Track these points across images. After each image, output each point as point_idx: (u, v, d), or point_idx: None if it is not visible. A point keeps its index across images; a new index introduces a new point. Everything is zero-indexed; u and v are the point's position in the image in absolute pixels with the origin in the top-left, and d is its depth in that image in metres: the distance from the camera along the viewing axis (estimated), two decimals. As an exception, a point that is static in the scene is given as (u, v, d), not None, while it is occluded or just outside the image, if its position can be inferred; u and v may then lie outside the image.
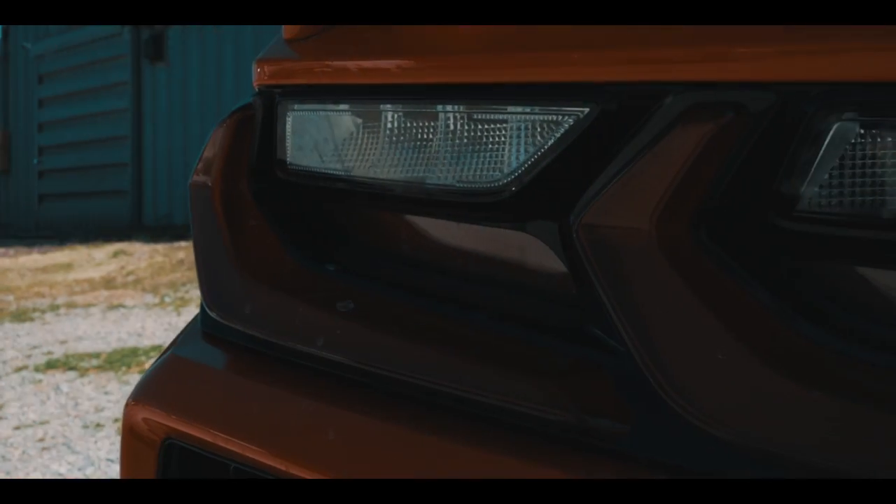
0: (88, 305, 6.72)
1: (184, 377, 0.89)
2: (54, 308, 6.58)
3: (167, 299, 6.67)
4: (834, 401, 0.54)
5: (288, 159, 0.89)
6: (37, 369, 4.77)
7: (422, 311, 0.75)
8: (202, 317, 0.92)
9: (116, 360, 4.79)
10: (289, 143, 0.88)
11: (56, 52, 12.36)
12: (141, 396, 0.88)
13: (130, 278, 7.76)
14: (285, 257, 0.88)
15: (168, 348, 0.92)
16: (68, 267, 8.51)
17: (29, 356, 5.09)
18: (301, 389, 0.76)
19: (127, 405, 0.88)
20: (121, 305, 6.59)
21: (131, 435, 0.87)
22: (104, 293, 7.16)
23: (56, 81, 12.51)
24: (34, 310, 6.50)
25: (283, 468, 0.74)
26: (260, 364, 0.84)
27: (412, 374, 0.69)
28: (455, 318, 0.73)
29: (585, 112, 0.63)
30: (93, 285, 7.54)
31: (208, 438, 0.82)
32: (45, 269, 8.39)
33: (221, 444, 0.81)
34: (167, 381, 0.89)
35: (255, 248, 0.89)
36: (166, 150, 10.56)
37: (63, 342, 5.44)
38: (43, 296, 7.10)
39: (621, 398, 0.60)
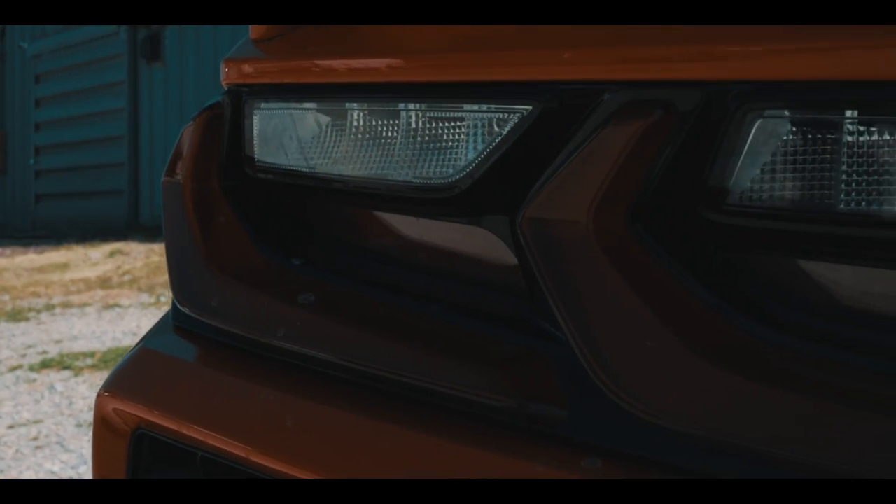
0: (84, 305, 6.74)
1: (154, 369, 0.91)
2: (50, 308, 6.59)
3: (163, 299, 6.69)
4: (761, 388, 0.56)
5: (256, 157, 0.91)
6: (31, 368, 4.79)
7: (380, 303, 0.78)
8: (173, 310, 0.95)
9: (111, 360, 4.81)
10: (256, 140, 0.91)
11: (52, 52, 12.38)
12: (112, 388, 0.91)
13: (126, 278, 7.78)
14: (254, 252, 0.90)
15: (140, 341, 0.95)
16: (64, 267, 8.54)
17: (24, 355, 5.11)
18: (263, 380, 0.79)
19: (98, 396, 0.91)
20: (116, 305, 6.61)
21: (103, 425, 0.90)
22: (100, 293, 7.19)
23: (52, 81, 12.53)
24: (30, 309, 6.52)
25: (245, 456, 0.76)
26: (227, 356, 0.87)
27: (367, 363, 0.71)
28: (411, 310, 0.75)
29: (529, 110, 0.65)
30: (88, 285, 7.56)
31: (176, 428, 0.85)
32: (41, 269, 8.41)
33: (189, 433, 0.83)
34: (138, 373, 0.91)
35: (224, 244, 0.91)
36: (163, 150, 10.58)
37: (58, 342, 5.46)
38: (39, 295, 7.12)
39: (561, 385, 0.62)
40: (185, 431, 0.84)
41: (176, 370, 0.90)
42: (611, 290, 0.59)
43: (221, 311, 0.86)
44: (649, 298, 0.58)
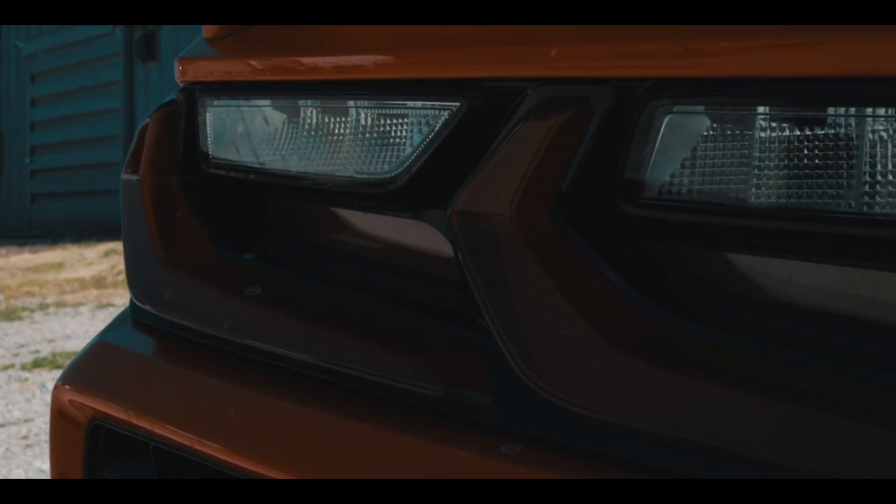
0: (78, 304, 6.75)
1: (110, 362, 0.93)
2: (43, 307, 6.61)
3: (156, 298, 6.70)
4: (676, 378, 0.58)
5: (210, 153, 0.93)
6: (23, 367, 4.81)
7: (321, 295, 0.79)
8: (131, 304, 0.97)
9: (102, 358, 4.82)
10: (210, 137, 0.92)
11: (48, 52, 12.39)
12: (69, 380, 0.92)
13: (121, 277, 7.79)
14: (208, 247, 0.92)
15: (98, 334, 0.96)
16: (59, 266, 8.55)
17: (16, 355, 5.13)
18: (210, 371, 0.81)
19: (56, 388, 0.93)
20: (110, 304, 6.62)
21: (60, 416, 0.91)
22: (94, 292, 7.20)
23: (48, 80, 12.54)
24: (23, 309, 6.53)
25: (191, 445, 0.78)
26: (180, 348, 0.88)
27: (305, 353, 0.73)
28: (350, 302, 0.77)
29: (458, 107, 0.67)
30: (83, 284, 7.57)
31: (131, 419, 0.86)
32: (35, 269, 8.42)
33: (142, 424, 0.85)
34: (94, 365, 0.93)
35: (180, 239, 0.93)
36: (158, 150, 10.55)
37: (51, 341, 5.48)
38: (33, 295, 7.14)
39: (487, 374, 0.64)
40: (137, 422, 0.86)
41: (131, 363, 0.92)
42: (532, 282, 0.61)
43: (174, 304, 0.88)
44: (569, 291, 0.60)
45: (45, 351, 5.15)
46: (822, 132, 0.53)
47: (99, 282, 7.67)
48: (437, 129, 0.69)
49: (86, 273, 8.09)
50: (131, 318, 0.97)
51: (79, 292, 7.21)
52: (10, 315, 6.29)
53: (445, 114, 0.68)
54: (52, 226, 11.33)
